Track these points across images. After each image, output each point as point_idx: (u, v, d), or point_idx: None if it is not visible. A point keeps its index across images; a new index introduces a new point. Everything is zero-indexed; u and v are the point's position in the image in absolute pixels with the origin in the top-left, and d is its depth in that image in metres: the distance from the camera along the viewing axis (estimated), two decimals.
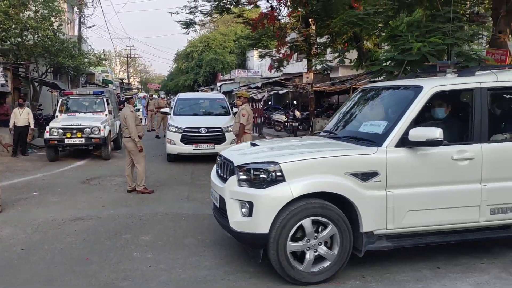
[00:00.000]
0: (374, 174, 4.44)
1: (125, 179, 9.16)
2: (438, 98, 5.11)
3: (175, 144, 12.18)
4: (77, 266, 5.04)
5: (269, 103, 29.77)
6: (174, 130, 12.32)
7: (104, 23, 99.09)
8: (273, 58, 17.76)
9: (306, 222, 4.35)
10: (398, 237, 4.64)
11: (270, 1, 15.94)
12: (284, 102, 28.54)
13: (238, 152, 5.23)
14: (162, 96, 29.41)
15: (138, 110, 22.95)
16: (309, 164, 4.40)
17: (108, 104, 14.67)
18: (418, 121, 4.70)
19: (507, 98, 5.53)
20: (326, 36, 16.10)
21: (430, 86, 4.79)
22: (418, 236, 4.69)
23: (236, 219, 4.49)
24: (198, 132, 12.10)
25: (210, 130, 12.13)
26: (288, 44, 16.39)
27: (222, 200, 4.78)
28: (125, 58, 67.07)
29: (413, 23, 9.03)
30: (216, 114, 13.66)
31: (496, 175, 4.78)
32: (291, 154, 4.63)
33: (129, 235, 6.13)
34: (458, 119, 5.21)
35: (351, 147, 4.78)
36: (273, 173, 4.36)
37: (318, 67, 15.91)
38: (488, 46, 10.64)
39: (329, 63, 15.25)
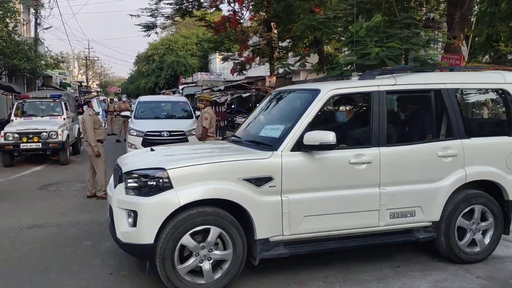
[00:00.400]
0: (268, 179, 4.34)
1: (85, 184, 8.95)
2: (338, 101, 5.10)
3: (136, 148, 11.96)
4: (35, 275, 4.89)
5: (232, 106, 29.76)
6: (135, 134, 12.13)
7: (62, 24, 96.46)
8: (236, 61, 17.78)
9: (197, 232, 4.19)
10: (296, 244, 4.55)
11: (232, 5, 15.97)
12: (247, 106, 28.58)
13: (131, 158, 5.04)
14: (124, 99, 28.90)
15: (98, 113, 22.54)
16: (199, 170, 4.24)
17: (66, 107, 14.31)
18: (317, 125, 4.67)
19: (406, 101, 5.61)
20: (288, 40, 16.26)
21: (327, 89, 4.74)
22: (317, 242, 4.62)
23: (123, 229, 4.27)
24: (160, 135, 11.95)
25: (172, 133, 12.00)
26: (251, 48, 16.45)
27: (110, 210, 4.58)
28: (84, 61, 65.54)
29: (372, 28, 9.26)
30: (179, 118, 13.54)
31: (395, 179, 4.75)
32: (181, 160, 4.45)
33: (90, 242, 5.99)
34: (359, 122, 5.19)
35: (246, 152, 4.70)
36: (160, 180, 4.17)
37: (280, 70, 16.03)
38: (443, 51, 11.04)
39: (291, 67, 15.38)
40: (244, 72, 17.95)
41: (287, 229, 4.42)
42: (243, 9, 15.99)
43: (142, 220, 4.13)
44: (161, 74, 48.23)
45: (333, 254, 5.10)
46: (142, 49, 73.62)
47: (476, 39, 15.48)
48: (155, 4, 15.74)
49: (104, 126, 24.50)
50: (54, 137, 12.56)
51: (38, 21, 27.94)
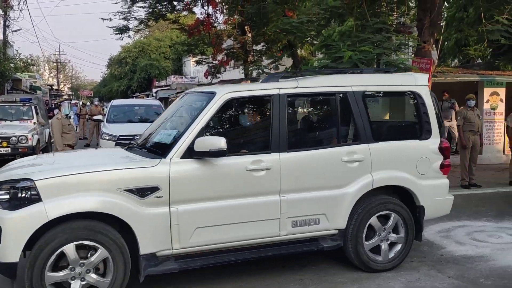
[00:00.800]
0: (154, 189, 4.04)
1: None
2: (236, 105, 4.88)
3: None
4: (4, 285, 4.76)
5: None
6: (107, 138, 11.94)
7: (32, 26, 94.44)
8: (210, 64, 17.72)
9: (69, 248, 3.84)
10: (188, 257, 4.27)
11: (206, 8, 15.93)
12: None
13: (7, 168, 4.69)
14: (96, 103, 28.53)
15: (70, 117, 22.20)
16: (73, 180, 3.90)
17: (36, 111, 14.02)
18: (212, 130, 4.52)
19: (310, 105, 5.37)
20: (262, 44, 16.32)
21: (223, 92, 4.47)
22: (213, 255, 4.34)
23: None
24: (133, 139, 11.78)
25: None
26: (225, 51, 16.43)
27: None
28: (55, 63, 64.31)
29: (345, 32, 9.40)
30: (152, 121, 13.37)
31: (297, 186, 4.53)
32: (54, 170, 4.09)
33: None
34: (258, 127, 4.99)
35: (132, 160, 4.41)
36: (28, 192, 3.82)
37: (254, 73, 16.06)
38: (413, 55, 11.27)
39: (265, 70, 15.43)
40: (218, 75, 17.90)
41: (177, 242, 4.13)
42: (216, 13, 15.98)
43: (5, 236, 3.76)
44: (134, 77, 47.72)
45: (308, 257, 5.12)
46: (114, 52, 72.65)
47: (446, 43, 15.87)
48: (128, 8, 15.56)
49: (76, 130, 24.15)
50: (24, 141, 12.29)
51: (7, 23, 27.31)
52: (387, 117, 5.50)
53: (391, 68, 6.70)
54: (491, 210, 7.50)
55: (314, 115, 5.40)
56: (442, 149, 5.10)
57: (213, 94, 4.50)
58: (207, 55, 18.18)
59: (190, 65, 41.89)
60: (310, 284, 4.62)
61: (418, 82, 5.17)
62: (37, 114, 13.97)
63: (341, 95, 4.87)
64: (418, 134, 5.13)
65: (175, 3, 16.06)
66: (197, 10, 23.37)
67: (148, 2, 15.49)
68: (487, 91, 12.35)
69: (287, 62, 16.31)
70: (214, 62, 16.96)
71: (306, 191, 4.57)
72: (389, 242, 4.93)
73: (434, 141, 5.08)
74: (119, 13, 15.60)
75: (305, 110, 5.33)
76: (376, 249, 4.89)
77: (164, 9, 16.10)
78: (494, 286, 4.58)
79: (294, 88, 4.73)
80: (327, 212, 4.64)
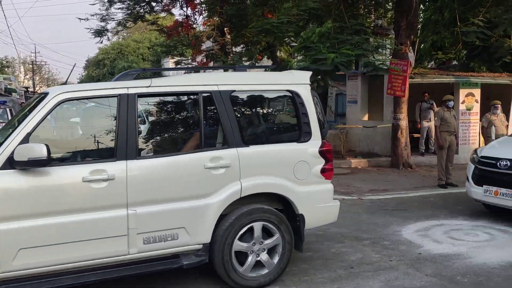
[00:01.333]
0: None
1: None
2: (74, 107, 4.42)
3: None
4: None
5: None
6: None
7: (7, 27, 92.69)
8: (189, 66, 17.68)
9: None
10: (14, 282, 3.70)
11: (184, 9, 15.88)
12: None
13: None
14: None
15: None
16: None
17: (11, 114, 13.79)
18: (45, 135, 4.00)
19: (167, 106, 4.79)
20: (242, 46, 16.36)
21: (56, 92, 3.94)
22: (47, 278, 3.77)
23: None
24: None
25: None
26: (204, 53, 16.41)
27: None
28: (30, 65, 63.21)
29: (324, 33, 9.48)
30: None
31: (148, 197, 4.04)
32: None
33: None
34: (102, 132, 4.36)
35: None
36: None
37: None
38: (391, 57, 11.44)
39: None
40: None
41: None
42: (195, 14, 15.95)
43: None
44: (112, 79, 47.30)
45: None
46: (92, 54, 71.71)
47: (422, 45, 16.12)
48: (106, 9, 15.41)
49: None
50: None
51: None
52: (261, 118, 4.93)
53: (271, 66, 6.42)
54: (467, 209, 7.63)
55: (172, 117, 4.84)
56: (323, 152, 4.70)
57: (45, 94, 4.02)
58: (187, 56, 18.11)
59: (169, 66, 41.63)
60: (291, 284, 4.62)
61: (296, 81, 4.79)
62: (12, 116, 13.72)
63: (205, 95, 4.41)
64: (296, 136, 4.71)
65: (153, 4, 15.99)
66: (176, 11, 23.29)
67: (126, 3, 15.37)
68: (462, 92, 12.59)
69: (267, 64, 16.36)
70: (194, 63, 16.92)
71: (160, 203, 4.09)
72: (262, 256, 4.48)
73: (314, 144, 4.68)
74: (97, 15, 15.44)
75: (161, 113, 4.75)
76: (248, 263, 4.45)
77: (142, 10, 16.00)
78: (470, 283, 4.65)
79: (146, 87, 4.24)
80: (187, 225, 4.16)
